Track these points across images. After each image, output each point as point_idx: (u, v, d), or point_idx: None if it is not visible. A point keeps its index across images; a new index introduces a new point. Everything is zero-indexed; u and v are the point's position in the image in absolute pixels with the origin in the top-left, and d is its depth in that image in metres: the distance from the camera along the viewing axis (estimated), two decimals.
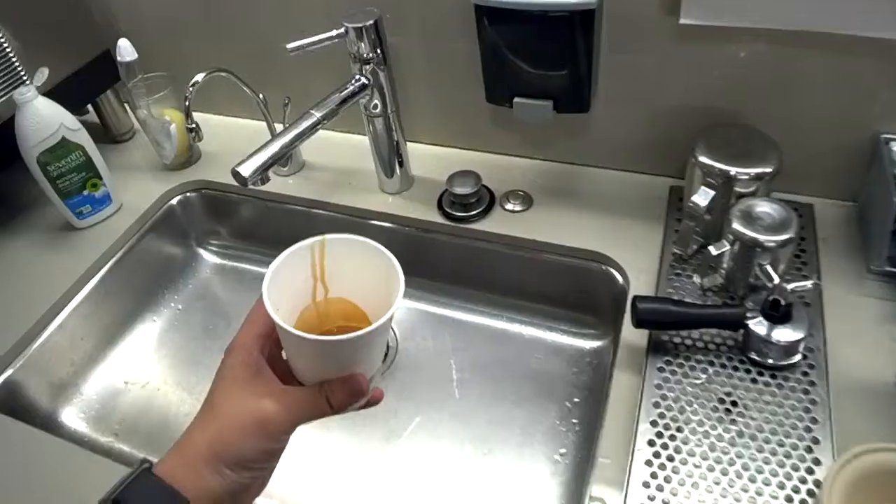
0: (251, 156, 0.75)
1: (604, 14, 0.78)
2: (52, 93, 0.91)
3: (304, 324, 0.47)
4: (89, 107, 1.12)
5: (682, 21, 0.75)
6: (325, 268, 0.46)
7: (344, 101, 0.82)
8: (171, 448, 0.44)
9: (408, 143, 0.97)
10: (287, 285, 0.45)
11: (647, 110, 0.88)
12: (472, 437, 0.86)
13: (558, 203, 0.93)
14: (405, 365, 0.95)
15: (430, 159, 1.03)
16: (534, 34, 0.77)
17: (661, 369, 0.71)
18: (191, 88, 0.87)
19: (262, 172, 0.75)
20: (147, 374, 0.99)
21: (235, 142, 1.12)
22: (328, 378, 0.45)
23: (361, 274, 0.46)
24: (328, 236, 0.45)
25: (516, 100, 0.83)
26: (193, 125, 0.89)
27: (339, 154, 1.06)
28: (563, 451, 0.83)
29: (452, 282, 0.99)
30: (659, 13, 0.78)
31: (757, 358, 0.70)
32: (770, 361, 0.69)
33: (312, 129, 0.79)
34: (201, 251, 1.14)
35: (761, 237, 0.71)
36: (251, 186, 0.74)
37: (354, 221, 1.00)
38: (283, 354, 0.47)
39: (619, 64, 0.84)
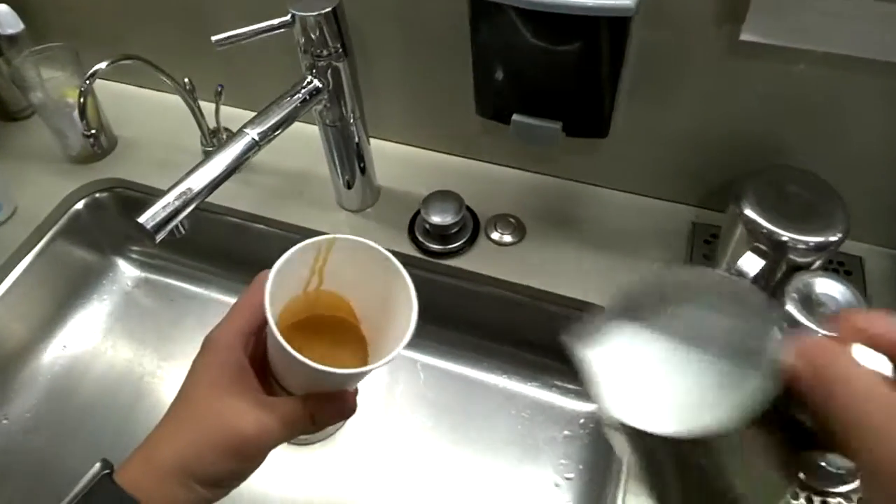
0: (162, 199, 0.55)
1: (640, 20, 0.59)
2: None
3: (290, 314, 0.44)
4: None
5: (742, 37, 0.57)
6: (327, 262, 0.43)
7: (289, 115, 0.62)
8: (135, 451, 0.40)
9: (372, 141, 0.78)
10: (284, 283, 0.41)
11: (676, 130, 0.71)
12: None
13: (556, 233, 0.76)
14: (365, 414, 0.78)
15: (400, 164, 0.84)
16: (546, 39, 0.57)
17: None
18: (86, 82, 0.66)
19: (175, 221, 0.55)
20: (45, 426, 0.81)
21: (160, 125, 0.91)
22: (315, 391, 0.41)
23: (361, 276, 0.43)
24: (339, 237, 0.42)
25: (515, 117, 0.65)
26: (92, 131, 0.68)
27: (290, 150, 0.86)
28: None
29: (424, 319, 0.82)
30: (712, 25, 0.59)
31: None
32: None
33: (245, 156, 0.59)
34: (119, 261, 0.94)
35: (824, 332, 0.55)
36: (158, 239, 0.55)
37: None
38: (269, 356, 0.43)
39: (649, 76, 0.65)
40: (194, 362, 0.42)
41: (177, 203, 0.55)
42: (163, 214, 0.54)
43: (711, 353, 0.30)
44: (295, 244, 0.84)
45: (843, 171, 0.63)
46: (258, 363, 0.43)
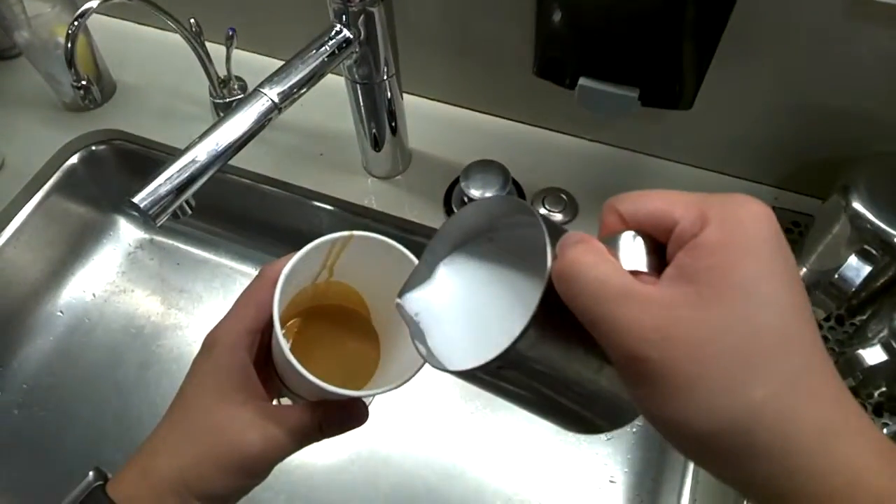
0: (162, 173, 0.46)
1: None
2: None
3: (295, 305, 0.42)
4: None
5: None
6: (339, 258, 0.41)
7: (314, 72, 0.52)
8: (132, 460, 0.38)
9: (406, 97, 0.67)
10: (294, 280, 0.39)
11: (766, 101, 0.60)
12: None
13: None
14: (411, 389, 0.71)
15: (437, 125, 0.74)
16: None
17: None
18: (74, 24, 0.55)
19: (180, 201, 0.46)
20: (43, 396, 0.74)
21: (165, 69, 0.81)
22: (324, 398, 0.38)
23: (375, 270, 0.41)
24: (357, 234, 0.39)
25: (583, 81, 0.54)
26: (82, 82, 0.58)
27: (310, 104, 0.74)
28: None
29: None
30: None
31: None
32: None
33: (263, 121, 0.49)
34: (121, 220, 0.86)
35: None
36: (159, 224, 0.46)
37: (324, 212, 0.72)
38: (274, 358, 0.40)
39: (742, 35, 0.54)
40: (195, 363, 0.39)
41: (180, 178, 0.46)
42: (163, 192, 0.45)
43: (508, 277, 0.30)
44: (313, 210, 0.75)
45: None
46: (261, 362, 0.40)
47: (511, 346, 0.25)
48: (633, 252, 0.25)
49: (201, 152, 0.47)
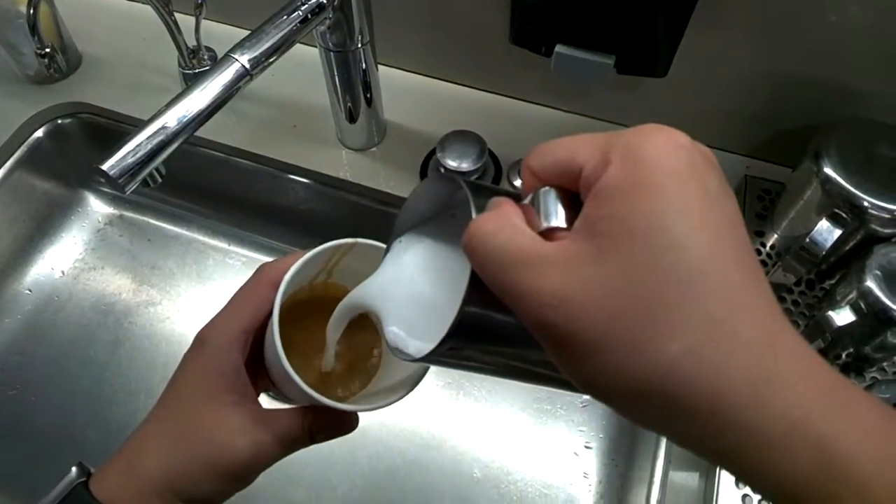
0: (131, 140, 0.45)
1: None
2: None
3: (288, 303, 0.39)
4: None
5: None
6: (339, 263, 0.40)
7: (286, 38, 0.51)
8: (116, 457, 0.37)
9: (381, 69, 0.66)
10: (292, 284, 0.38)
11: (738, 67, 0.60)
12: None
13: None
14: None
15: (412, 97, 0.74)
16: None
17: None
18: None
19: (149, 169, 0.45)
20: (12, 376, 0.73)
21: (132, 40, 0.80)
22: (314, 404, 0.36)
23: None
24: (360, 241, 0.38)
25: (560, 48, 0.54)
26: (47, 50, 0.56)
27: (283, 75, 0.73)
28: None
29: None
30: None
31: None
32: None
33: (234, 87, 0.48)
34: (89, 196, 0.84)
35: None
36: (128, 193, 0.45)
37: (299, 185, 0.71)
38: (267, 361, 0.39)
39: (720, 3, 0.54)
40: (186, 360, 0.38)
41: (149, 146, 0.45)
42: (132, 159, 0.44)
43: (457, 254, 0.29)
44: (287, 183, 0.74)
45: None
46: (251, 360, 0.39)
47: (451, 329, 0.24)
48: (548, 209, 0.23)
49: (171, 119, 0.46)
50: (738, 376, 0.19)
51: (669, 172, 0.20)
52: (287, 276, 0.36)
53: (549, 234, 0.23)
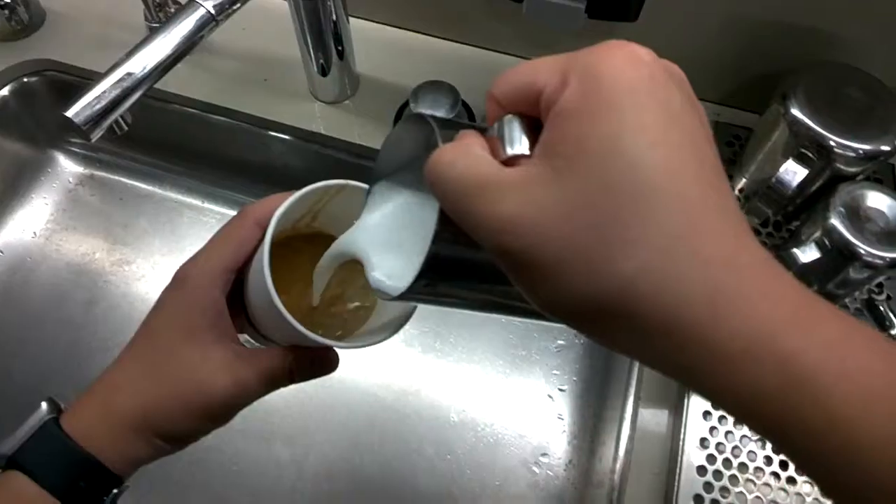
0: (95, 87, 0.44)
1: None
2: None
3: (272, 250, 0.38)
4: None
5: None
6: (327, 205, 0.39)
7: None
8: (90, 393, 0.36)
9: (352, 21, 0.66)
10: (279, 223, 0.37)
11: (711, 12, 0.60)
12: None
13: None
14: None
15: (384, 49, 0.73)
16: None
17: None
18: None
19: (115, 115, 0.45)
20: None
21: None
22: (296, 344, 0.36)
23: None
24: (352, 183, 0.38)
25: None
26: (6, 1, 0.55)
27: (252, 28, 0.73)
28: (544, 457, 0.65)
29: None
30: None
31: None
32: None
33: (198, 34, 0.48)
34: (59, 156, 0.82)
35: (870, 249, 0.49)
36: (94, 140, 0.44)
37: (271, 139, 0.71)
38: (247, 298, 0.38)
39: None
40: (165, 297, 0.37)
41: (114, 92, 0.44)
42: (97, 107, 0.44)
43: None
44: (259, 138, 0.73)
45: None
46: (229, 301, 0.38)
47: (424, 265, 0.24)
48: (511, 137, 0.23)
49: (135, 66, 0.46)
50: (695, 293, 0.19)
51: (628, 90, 0.20)
52: (279, 211, 0.35)
53: (512, 161, 0.22)
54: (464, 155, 0.22)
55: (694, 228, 0.20)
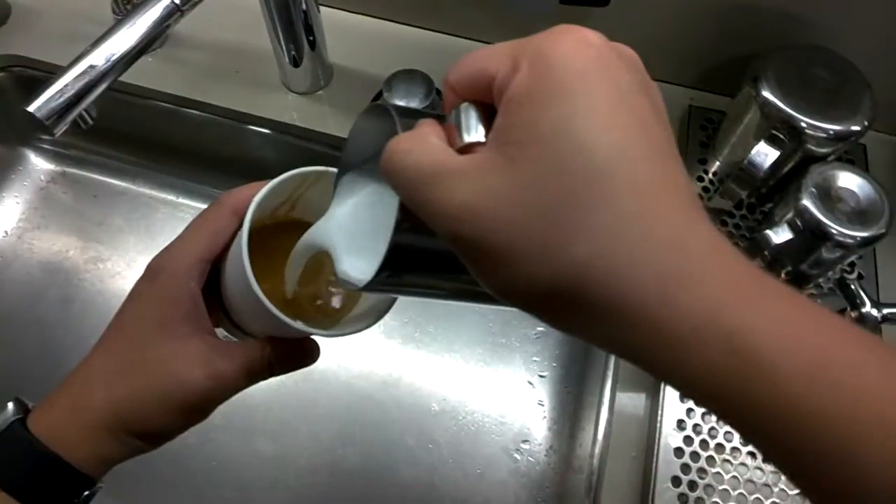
0: (57, 81, 0.43)
1: None
2: None
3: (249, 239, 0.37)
4: None
5: None
6: (307, 192, 0.39)
7: None
8: (58, 393, 0.35)
9: (323, 10, 0.65)
10: (257, 210, 0.36)
11: None
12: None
13: None
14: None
15: (357, 39, 0.72)
16: None
17: None
18: None
19: (79, 109, 0.44)
20: None
21: None
22: (275, 335, 0.36)
23: None
24: (329, 170, 0.37)
25: None
26: None
27: (221, 19, 0.72)
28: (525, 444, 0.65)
29: None
30: None
31: None
32: None
33: (164, 24, 0.47)
34: (29, 153, 0.81)
35: (841, 229, 0.49)
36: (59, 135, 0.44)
37: (245, 131, 0.70)
38: (224, 287, 0.37)
39: None
40: (138, 289, 0.36)
41: (77, 85, 0.43)
42: (59, 100, 0.43)
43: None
44: (233, 131, 0.72)
45: (876, 57, 0.55)
46: (204, 293, 0.37)
47: (385, 258, 0.24)
48: (467, 124, 0.23)
49: (98, 58, 0.45)
50: (645, 275, 0.19)
51: (578, 74, 0.20)
52: (257, 198, 0.35)
53: (467, 149, 0.22)
54: (419, 143, 0.22)
55: (644, 210, 0.20)
